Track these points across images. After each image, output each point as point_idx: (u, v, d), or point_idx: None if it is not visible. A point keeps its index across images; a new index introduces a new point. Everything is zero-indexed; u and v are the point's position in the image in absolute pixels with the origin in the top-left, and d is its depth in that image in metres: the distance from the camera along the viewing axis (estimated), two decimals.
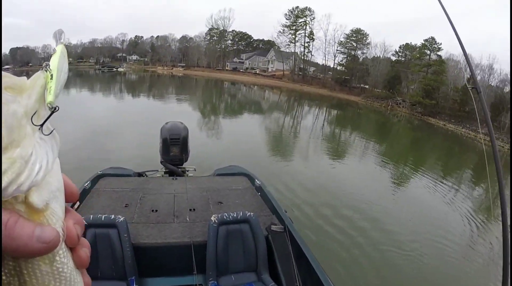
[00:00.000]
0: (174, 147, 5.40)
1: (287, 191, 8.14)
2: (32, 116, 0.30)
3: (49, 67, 0.32)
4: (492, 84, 41.34)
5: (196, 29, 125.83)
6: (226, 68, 67.60)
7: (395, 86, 48.10)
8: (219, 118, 21.00)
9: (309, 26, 57.90)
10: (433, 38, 46.99)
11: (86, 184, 4.24)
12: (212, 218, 3.08)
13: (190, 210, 3.88)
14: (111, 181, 4.64)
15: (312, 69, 60.78)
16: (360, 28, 55.86)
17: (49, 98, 0.29)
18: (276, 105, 33.41)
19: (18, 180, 0.28)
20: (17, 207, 0.29)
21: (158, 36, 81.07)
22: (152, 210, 3.80)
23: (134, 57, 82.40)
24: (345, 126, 24.39)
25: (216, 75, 61.60)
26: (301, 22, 58.00)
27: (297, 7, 58.06)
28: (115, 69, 68.48)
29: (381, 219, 7.39)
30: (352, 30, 55.89)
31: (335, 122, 27.42)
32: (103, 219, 2.86)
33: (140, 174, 5.38)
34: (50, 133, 0.32)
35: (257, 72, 63.90)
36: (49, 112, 0.29)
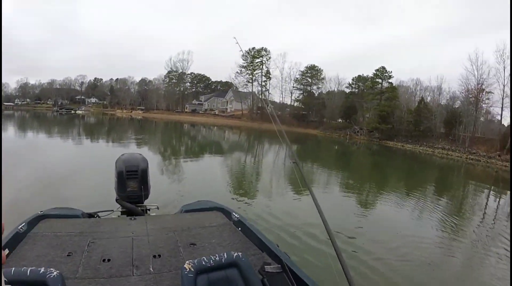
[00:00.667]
0: (132, 182, 4.57)
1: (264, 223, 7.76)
2: None
3: None
4: (442, 102, 44.48)
5: (155, 71, 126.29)
6: (186, 110, 67.94)
7: (351, 116, 50.51)
8: (179, 159, 20.40)
9: (266, 65, 60.21)
10: (383, 67, 50.29)
11: (21, 226, 3.38)
12: (186, 266, 2.21)
13: (155, 256, 3.04)
14: (54, 223, 3.76)
15: (271, 106, 61.70)
16: (314, 65, 59.20)
17: None
18: (236, 145, 33.41)
19: None
20: None
21: (117, 79, 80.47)
22: (104, 260, 2.91)
23: (93, 99, 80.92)
24: (306, 159, 24.71)
25: (175, 117, 61.54)
26: (258, 62, 60.33)
27: (253, 47, 60.58)
28: (73, 112, 66.59)
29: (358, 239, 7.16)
30: (306, 67, 59.04)
31: (296, 156, 27.56)
32: (28, 274, 1.96)
33: (90, 215, 4.45)
34: None
35: (216, 113, 64.64)
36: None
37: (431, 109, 42.81)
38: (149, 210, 4.92)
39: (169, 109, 69.11)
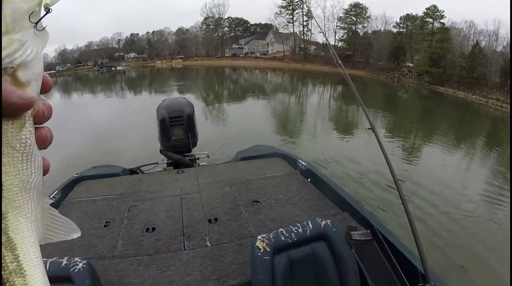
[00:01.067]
0: (177, 129, 3.97)
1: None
2: (30, 14, 0.35)
3: None
4: (498, 49, 40.10)
5: (192, 20, 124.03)
6: (226, 55, 66.60)
7: (399, 57, 47.18)
8: (223, 103, 20.41)
9: (306, 5, 56.69)
10: (435, 6, 45.89)
11: (53, 194, 3.00)
12: (259, 244, 1.66)
13: (210, 221, 2.52)
14: (91, 186, 3.35)
15: (313, 47, 59.41)
16: (358, 2, 54.40)
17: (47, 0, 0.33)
18: (279, 87, 32.64)
19: (14, 55, 0.34)
20: (5, 77, 0.34)
21: (153, 32, 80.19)
22: (147, 229, 2.44)
23: (132, 54, 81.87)
24: (352, 102, 23.74)
25: (215, 63, 60.74)
26: (298, 1, 56.51)
27: None
28: (114, 69, 68.18)
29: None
30: (350, 5, 54.46)
31: (342, 98, 26.63)
32: (48, 268, 1.41)
33: (133, 171, 4.01)
34: (43, 29, 0.37)
35: (257, 55, 62.92)
36: (45, 13, 0.36)
37: (486, 55, 38.33)
38: (198, 159, 4.40)
39: (208, 55, 68.00)
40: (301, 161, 3.60)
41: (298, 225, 1.78)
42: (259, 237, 1.70)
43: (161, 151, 4.14)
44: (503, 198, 6.85)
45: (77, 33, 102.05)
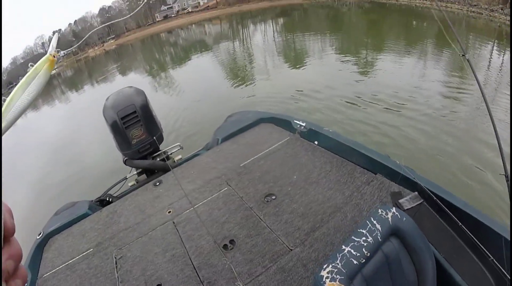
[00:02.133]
0: (135, 129, 3.10)
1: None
2: None
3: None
4: None
5: None
6: (157, 19, 63.98)
7: None
8: (169, 72, 19.20)
9: None
10: None
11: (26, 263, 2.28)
12: (330, 285, 1.11)
13: (226, 247, 1.89)
14: (61, 245, 2.48)
15: None
16: None
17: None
18: (221, 36, 31.34)
19: None
20: None
21: (75, 21, 75.75)
22: None
23: (61, 53, 76.97)
24: (296, 30, 23.22)
25: (149, 31, 58.11)
26: None
27: None
28: None
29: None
30: None
31: (286, 30, 26.12)
32: None
33: (101, 201, 3.08)
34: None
35: (190, 10, 60.61)
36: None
37: None
38: (171, 154, 3.46)
39: (140, 26, 65.11)
40: (297, 122, 2.90)
41: (362, 231, 1.25)
42: (323, 272, 1.13)
43: (125, 162, 3.22)
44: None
45: None
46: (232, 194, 2.31)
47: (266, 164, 2.56)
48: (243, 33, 30.00)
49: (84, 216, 2.78)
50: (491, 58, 11.85)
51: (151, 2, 66.25)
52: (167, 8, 64.59)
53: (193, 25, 48.13)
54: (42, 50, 78.28)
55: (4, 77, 76.77)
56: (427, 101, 6.60)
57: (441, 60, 11.13)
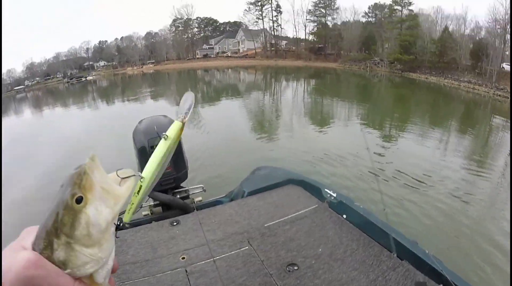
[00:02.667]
0: None
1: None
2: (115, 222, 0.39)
3: (141, 179, 0.38)
4: (466, 33, 40.99)
5: (160, 23, 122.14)
6: (197, 56, 65.86)
7: (370, 47, 47.57)
8: (198, 108, 19.68)
9: (275, 0, 56.51)
10: None
11: None
12: None
13: None
14: None
15: (284, 42, 59.55)
16: None
17: (126, 218, 0.34)
18: (253, 85, 32.32)
19: (91, 269, 0.37)
20: (83, 279, 0.38)
21: (122, 37, 78.65)
22: None
23: (102, 63, 79.91)
24: (326, 94, 23.76)
25: (187, 65, 59.95)
26: None
27: None
28: (84, 79, 66.18)
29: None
30: None
31: (316, 92, 26.75)
32: None
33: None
34: (116, 238, 0.35)
35: (229, 54, 62.48)
36: (119, 224, 0.32)
37: (456, 39, 39.12)
38: (192, 195, 3.36)
39: (180, 58, 67.12)
40: (328, 191, 2.83)
41: None
42: None
43: None
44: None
45: (44, 44, 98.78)
46: (252, 255, 2.16)
47: (291, 230, 2.44)
48: (275, 87, 30.86)
49: None
50: None
51: (194, 39, 69.29)
52: (208, 47, 66.95)
53: (230, 69, 49.77)
54: (85, 55, 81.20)
55: (44, 68, 79.33)
56: (443, 181, 6.75)
57: (464, 140, 11.50)
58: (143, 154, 2.89)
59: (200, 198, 3.33)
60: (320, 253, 2.14)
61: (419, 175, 6.95)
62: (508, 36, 34.42)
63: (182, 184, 3.29)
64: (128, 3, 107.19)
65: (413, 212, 5.43)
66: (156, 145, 2.41)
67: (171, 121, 2.76)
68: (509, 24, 33.06)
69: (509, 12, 33.10)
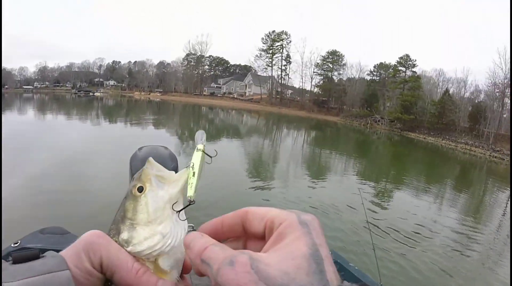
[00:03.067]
0: None
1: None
2: (173, 204, 0.40)
3: (192, 166, 0.40)
4: (466, 95, 42.65)
5: (174, 54, 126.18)
6: (204, 93, 67.54)
7: (372, 104, 49.13)
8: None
9: (286, 49, 58.96)
10: (407, 55, 48.85)
11: None
12: None
13: None
14: None
15: (289, 91, 61.55)
16: (336, 50, 57.31)
17: (190, 192, 0.37)
18: (255, 129, 32.83)
19: (153, 248, 0.38)
20: (147, 264, 0.39)
21: (135, 62, 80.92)
22: None
23: (111, 82, 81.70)
24: (325, 146, 24.10)
25: (193, 100, 61.17)
26: (278, 45, 59.04)
27: (273, 31, 59.40)
28: (92, 94, 67.32)
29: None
30: (328, 52, 57.32)
31: (315, 143, 27.14)
32: None
33: None
34: (184, 220, 0.41)
35: (235, 96, 63.97)
36: (187, 203, 0.39)
37: (455, 102, 41.00)
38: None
39: (187, 92, 68.66)
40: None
41: None
42: None
43: None
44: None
45: (60, 51, 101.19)
46: None
47: None
48: (275, 134, 31.31)
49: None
50: (506, 205, 12.21)
51: (204, 75, 71.17)
52: (216, 86, 69.01)
53: (234, 110, 50.76)
54: (97, 71, 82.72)
55: (55, 74, 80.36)
56: (432, 238, 6.88)
57: (458, 201, 11.56)
58: None
59: None
60: None
61: (409, 232, 7.08)
62: (507, 100, 36.27)
63: None
64: (146, 24, 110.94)
65: (405, 267, 5.55)
66: None
67: (171, 154, 2.73)
68: (508, 88, 34.63)
69: (508, 76, 34.94)
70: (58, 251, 0.89)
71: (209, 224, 0.39)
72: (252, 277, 0.27)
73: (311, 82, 58.67)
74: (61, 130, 18.78)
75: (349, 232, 6.79)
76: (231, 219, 0.37)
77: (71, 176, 8.75)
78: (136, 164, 2.55)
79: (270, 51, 58.93)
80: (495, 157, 29.50)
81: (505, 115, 36.97)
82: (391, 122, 44.25)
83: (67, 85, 79.01)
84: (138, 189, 0.42)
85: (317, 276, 0.27)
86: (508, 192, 14.52)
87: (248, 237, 0.38)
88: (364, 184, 12.13)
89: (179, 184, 0.41)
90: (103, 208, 5.63)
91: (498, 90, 36.53)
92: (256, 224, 0.35)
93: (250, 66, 65.60)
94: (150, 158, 0.44)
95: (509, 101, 36.68)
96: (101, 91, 73.10)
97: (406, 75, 48.07)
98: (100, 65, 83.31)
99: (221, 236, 0.37)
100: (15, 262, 0.33)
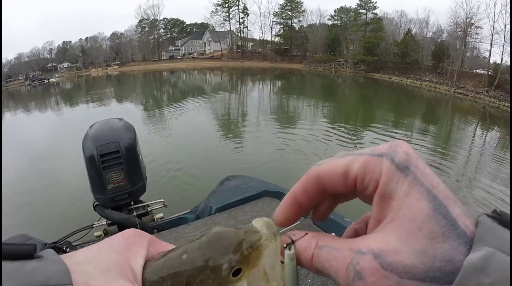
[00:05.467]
0: (112, 171, 2.48)
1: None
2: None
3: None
4: (428, 35, 43.13)
5: (126, 23, 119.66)
6: (163, 57, 65.29)
7: (335, 49, 49.21)
8: (163, 110, 19.43)
9: (242, 1, 56.80)
10: None
11: None
12: None
13: None
14: None
15: (250, 44, 60.23)
16: None
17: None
18: (219, 86, 32.39)
19: None
20: None
21: (87, 38, 76.21)
22: None
23: (65, 64, 77.21)
24: (292, 93, 24.17)
25: (153, 66, 59.20)
26: None
27: None
28: (47, 81, 63.56)
29: None
30: (285, 0, 55.56)
31: (281, 92, 27.16)
32: None
33: (58, 248, 2.22)
34: None
35: (195, 56, 62.46)
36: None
37: (418, 42, 41.48)
38: (152, 212, 2.85)
39: (145, 60, 66.16)
40: None
41: None
42: None
43: (95, 208, 2.55)
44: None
45: (4, 44, 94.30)
46: None
47: None
48: (241, 88, 31.10)
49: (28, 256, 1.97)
50: (473, 137, 13.33)
51: (161, 40, 68.40)
52: (175, 49, 66.46)
53: (196, 71, 49.71)
54: (48, 56, 78.34)
55: (5, 69, 75.70)
56: None
57: (427, 135, 12.19)
58: (92, 165, 2.39)
59: (161, 215, 2.82)
60: (310, 284, 1.73)
61: None
62: (469, 39, 36.94)
63: (141, 198, 2.79)
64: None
65: None
66: (107, 153, 2.35)
67: (127, 124, 2.61)
68: (469, 27, 35.32)
69: (470, 16, 35.58)
70: None
71: (284, 209, 0.31)
72: (391, 280, 0.22)
73: (271, 32, 57.46)
74: (24, 129, 17.64)
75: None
76: (304, 192, 0.30)
77: (37, 176, 8.12)
78: (88, 145, 2.43)
79: (226, 5, 56.42)
80: (460, 93, 30.54)
81: (468, 54, 37.77)
82: (355, 64, 44.57)
83: (19, 78, 74.27)
84: (234, 272, 0.29)
85: (454, 235, 0.22)
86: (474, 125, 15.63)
87: (335, 197, 0.32)
88: (335, 127, 12.27)
89: None
90: (73, 204, 5.45)
91: (460, 29, 36.94)
92: (340, 186, 0.28)
93: (207, 23, 62.87)
94: (271, 225, 0.31)
95: (471, 40, 37.30)
96: (56, 76, 68.91)
97: (368, 18, 48.10)
98: (51, 49, 77.79)
99: (304, 213, 0.31)
100: (4, 257, 0.23)
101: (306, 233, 0.29)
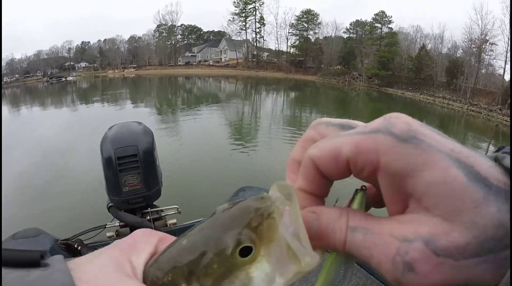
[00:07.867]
0: (129, 174, 2.45)
1: None
2: None
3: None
4: (443, 51, 42.97)
5: (144, 27, 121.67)
6: (179, 63, 65.98)
7: (350, 62, 49.15)
8: (177, 116, 19.66)
9: (259, 11, 57.43)
10: (383, 12, 48.56)
11: None
12: None
13: None
14: None
15: (266, 54, 60.74)
16: (310, 9, 56.20)
17: None
18: (233, 94, 32.65)
19: None
20: None
21: (105, 40, 77.53)
22: None
23: (83, 64, 78.69)
24: (306, 105, 24.29)
25: (169, 71, 59.87)
26: (250, 8, 57.15)
27: None
28: (64, 79, 64.89)
29: None
30: (302, 11, 56.08)
31: (296, 103, 27.29)
32: None
33: (68, 246, 2.11)
34: None
35: (211, 63, 62.85)
36: None
37: (432, 57, 41.28)
38: (165, 217, 2.74)
39: (162, 64, 66.88)
40: None
41: None
42: None
43: (109, 209, 2.54)
44: None
45: (25, 41, 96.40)
46: None
47: None
48: (254, 97, 31.26)
49: (41, 256, 1.26)
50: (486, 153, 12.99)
51: (177, 46, 69.29)
52: (191, 55, 67.18)
53: (211, 78, 50.02)
54: (67, 55, 79.89)
55: (24, 65, 77.41)
56: None
57: None
58: (109, 167, 2.35)
59: (174, 221, 2.74)
60: None
61: None
62: (484, 55, 36.64)
63: (155, 203, 2.71)
64: (112, 2, 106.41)
65: None
66: (125, 156, 2.31)
67: (145, 128, 2.54)
68: (484, 43, 35.12)
69: (485, 32, 35.33)
70: None
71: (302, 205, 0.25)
72: (446, 266, 0.20)
73: (287, 43, 57.82)
74: (40, 124, 18.09)
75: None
76: (311, 183, 0.26)
77: (52, 170, 8.26)
78: (107, 147, 2.42)
79: (243, 14, 57.15)
80: (473, 111, 30.05)
81: (482, 71, 37.38)
82: (369, 78, 44.54)
83: (37, 74, 75.91)
84: (243, 250, 0.23)
85: (493, 196, 0.19)
86: (483, 146, 15.36)
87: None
88: None
89: (306, 271, 0.23)
90: (87, 201, 5.47)
91: (474, 46, 36.63)
92: (334, 171, 0.25)
93: (223, 32, 63.73)
94: (290, 188, 0.25)
95: (486, 57, 36.88)
96: (74, 75, 70.48)
97: (383, 32, 48.03)
98: (69, 48, 79.48)
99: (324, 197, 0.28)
100: (6, 264, 0.22)
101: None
